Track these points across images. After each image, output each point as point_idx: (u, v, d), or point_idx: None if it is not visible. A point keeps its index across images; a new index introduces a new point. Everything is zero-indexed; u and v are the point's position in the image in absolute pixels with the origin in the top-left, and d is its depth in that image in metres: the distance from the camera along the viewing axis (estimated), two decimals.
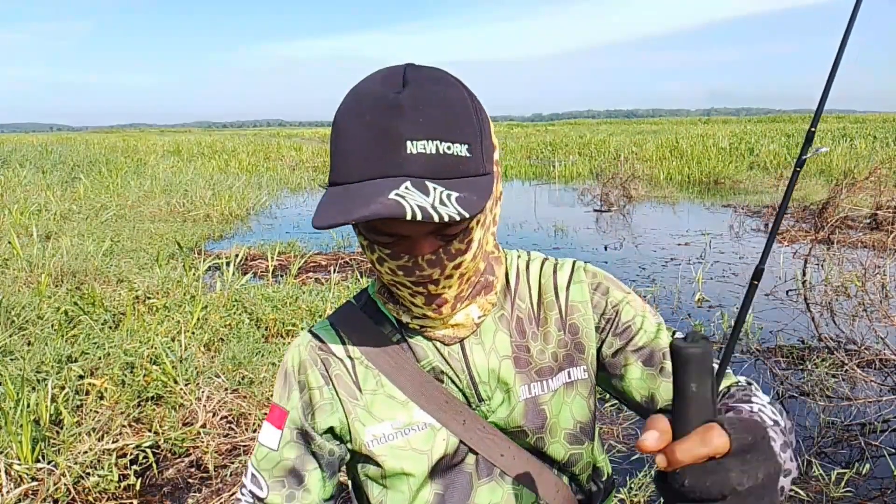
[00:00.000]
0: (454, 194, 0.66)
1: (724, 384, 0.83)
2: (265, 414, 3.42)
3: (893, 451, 3.18)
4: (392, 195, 0.64)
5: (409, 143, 0.66)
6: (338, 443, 0.86)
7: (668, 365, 0.84)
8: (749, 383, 0.84)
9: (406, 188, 0.65)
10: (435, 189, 0.66)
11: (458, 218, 0.64)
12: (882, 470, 3.02)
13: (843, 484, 2.86)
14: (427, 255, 0.73)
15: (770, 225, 8.78)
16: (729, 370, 0.84)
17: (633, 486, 2.84)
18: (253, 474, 0.85)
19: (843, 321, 4.22)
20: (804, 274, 4.46)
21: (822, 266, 5.71)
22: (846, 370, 3.77)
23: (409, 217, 0.62)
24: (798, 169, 0.84)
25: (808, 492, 2.84)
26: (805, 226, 8.70)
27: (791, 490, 2.84)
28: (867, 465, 3.00)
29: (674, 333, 0.89)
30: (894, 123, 29.37)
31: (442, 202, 0.65)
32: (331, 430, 0.85)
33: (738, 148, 19.51)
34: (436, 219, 0.63)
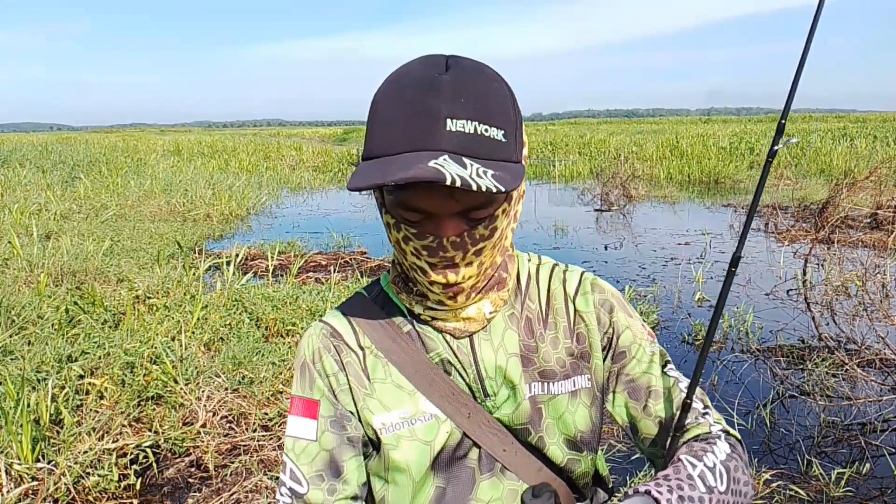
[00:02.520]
0: (490, 171, 0.67)
1: (693, 433, 0.85)
2: (265, 414, 3.43)
3: (893, 450, 3.18)
4: (431, 163, 0.65)
5: (448, 120, 0.68)
6: (361, 426, 0.87)
7: (652, 404, 0.88)
8: (724, 431, 0.85)
9: (444, 160, 0.66)
10: (472, 165, 0.67)
11: (494, 190, 0.65)
12: (882, 470, 3.02)
13: (843, 483, 2.86)
14: (452, 237, 0.74)
15: (769, 223, 8.78)
16: (710, 418, 0.86)
17: (632, 485, 2.84)
18: (291, 470, 0.84)
19: (843, 321, 4.22)
20: (804, 273, 4.46)
21: (822, 266, 5.71)
22: (846, 370, 3.77)
23: (448, 182, 0.63)
24: (770, 160, 0.87)
25: (808, 491, 2.84)
26: (805, 225, 8.70)
27: (791, 490, 2.84)
28: (867, 465, 3.00)
29: (666, 364, 0.90)
30: (894, 123, 29.36)
31: (479, 175, 0.66)
32: (352, 413, 0.86)
33: (738, 148, 19.51)
34: (474, 187, 0.64)
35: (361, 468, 0.86)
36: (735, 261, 0.86)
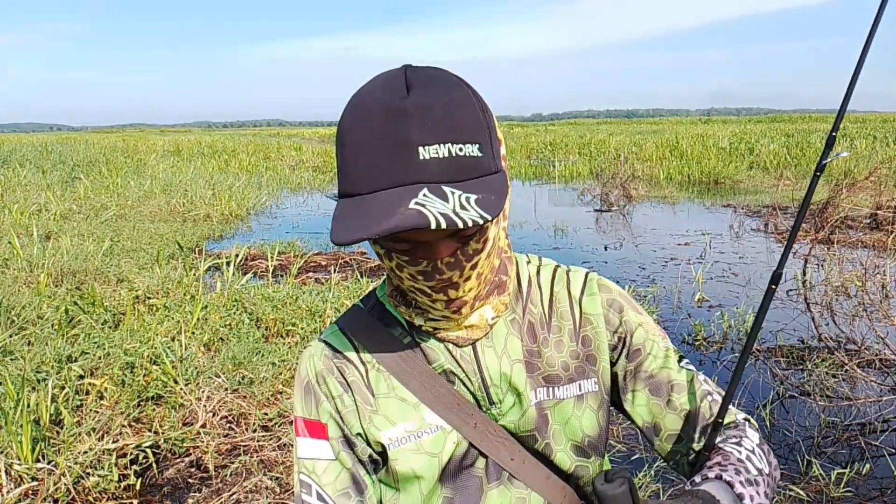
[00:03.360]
0: (472, 196, 0.65)
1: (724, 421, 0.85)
2: (265, 414, 3.43)
3: (893, 451, 3.18)
4: (412, 204, 0.63)
5: (420, 148, 0.65)
6: (368, 447, 0.86)
7: (676, 397, 0.87)
8: (746, 419, 0.87)
9: (424, 195, 0.64)
10: (453, 193, 0.65)
11: (481, 222, 0.63)
12: (882, 470, 3.02)
13: (843, 484, 2.86)
14: (446, 258, 0.72)
15: (768, 223, 8.77)
16: (731, 407, 0.87)
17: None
18: (318, 492, 0.82)
19: (843, 321, 4.22)
20: (804, 274, 4.46)
21: (822, 266, 5.71)
22: (846, 370, 3.77)
23: (433, 226, 0.61)
24: (818, 174, 0.83)
25: (808, 492, 2.84)
26: (805, 225, 8.70)
27: (791, 490, 2.84)
28: (867, 465, 3.01)
29: (681, 359, 0.90)
30: (894, 123, 29.37)
31: (462, 206, 0.64)
32: (359, 435, 0.85)
33: (738, 148, 19.53)
34: (460, 225, 0.62)
35: (377, 486, 0.86)
36: (776, 278, 0.83)
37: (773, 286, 0.84)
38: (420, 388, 0.83)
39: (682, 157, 18.19)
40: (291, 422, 0.91)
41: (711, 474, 0.73)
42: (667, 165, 16.72)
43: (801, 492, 2.83)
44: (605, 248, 8.20)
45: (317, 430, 0.84)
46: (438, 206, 0.63)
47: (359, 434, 0.84)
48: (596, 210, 11.47)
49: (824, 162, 0.83)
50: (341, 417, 0.84)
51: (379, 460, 0.86)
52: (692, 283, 6.19)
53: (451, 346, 0.84)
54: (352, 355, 0.85)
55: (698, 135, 24.99)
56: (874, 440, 3.26)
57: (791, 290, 5.81)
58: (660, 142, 21.97)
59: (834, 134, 0.83)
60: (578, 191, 13.43)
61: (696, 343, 4.65)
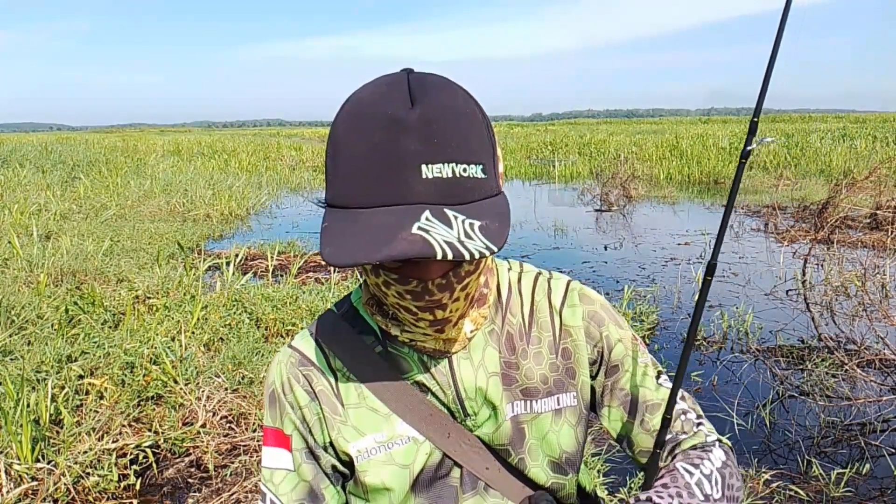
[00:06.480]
0: (476, 223, 0.62)
1: (690, 442, 0.84)
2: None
3: (893, 451, 3.18)
4: (415, 229, 0.60)
5: (423, 166, 0.62)
6: (336, 457, 0.85)
7: (649, 418, 0.86)
8: (718, 440, 0.85)
9: (427, 220, 0.61)
10: (456, 218, 0.62)
11: (487, 253, 0.60)
12: (882, 470, 3.02)
13: (843, 484, 2.86)
14: (437, 279, 0.69)
15: (768, 224, 8.77)
16: (704, 428, 0.85)
17: (632, 486, 2.84)
18: (272, 500, 0.82)
19: (843, 321, 4.22)
20: (804, 274, 4.46)
21: (822, 266, 5.70)
22: (846, 370, 3.77)
23: (439, 257, 0.58)
24: (743, 161, 0.82)
25: (807, 492, 2.84)
26: (805, 225, 8.70)
27: (791, 490, 2.84)
28: (867, 465, 3.01)
29: (659, 375, 0.89)
30: (894, 123, 29.37)
31: (467, 235, 0.61)
32: (328, 445, 0.84)
33: (739, 148, 19.50)
34: (466, 256, 0.59)
35: (338, 496, 0.85)
36: (711, 269, 0.81)
37: (709, 277, 0.81)
38: (391, 399, 0.80)
39: (682, 156, 18.19)
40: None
41: (643, 496, 0.72)
42: (667, 165, 16.72)
43: (801, 492, 2.83)
44: (605, 248, 8.20)
45: (280, 439, 0.82)
46: (443, 234, 0.60)
47: (327, 444, 0.82)
48: (596, 210, 11.46)
49: (748, 148, 0.81)
50: (308, 428, 0.82)
51: (346, 472, 0.85)
52: (692, 283, 6.19)
53: (425, 357, 0.81)
54: (321, 363, 0.83)
55: (698, 135, 24.98)
56: (874, 440, 3.26)
57: (791, 290, 5.81)
58: (660, 142, 21.96)
59: (755, 119, 0.81)
60: (578, 191, 13.43)
61: (696, 343, 4.65)
